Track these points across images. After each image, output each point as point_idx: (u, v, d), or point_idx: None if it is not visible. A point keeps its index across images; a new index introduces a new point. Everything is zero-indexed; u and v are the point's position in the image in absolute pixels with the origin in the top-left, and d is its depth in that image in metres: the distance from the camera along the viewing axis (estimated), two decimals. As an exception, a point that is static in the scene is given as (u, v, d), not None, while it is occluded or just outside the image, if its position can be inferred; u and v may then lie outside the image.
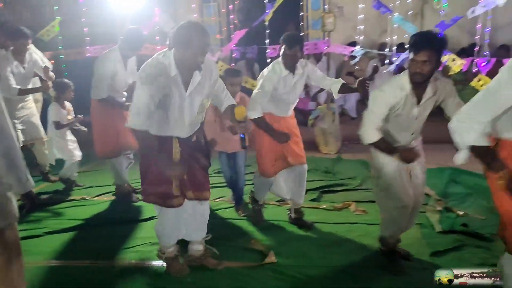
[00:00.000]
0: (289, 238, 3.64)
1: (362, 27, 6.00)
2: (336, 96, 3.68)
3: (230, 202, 4.32)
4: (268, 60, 6.12)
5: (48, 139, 4.82)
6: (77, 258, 3.38)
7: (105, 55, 4.22)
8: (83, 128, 4.79)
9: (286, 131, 3.56)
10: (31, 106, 4.89)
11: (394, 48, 5.91)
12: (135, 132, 2.73)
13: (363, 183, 4.86)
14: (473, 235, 3.54)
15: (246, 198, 4.27)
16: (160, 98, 2.69)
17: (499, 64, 5.07)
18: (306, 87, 6.45)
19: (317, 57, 7.22)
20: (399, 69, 6.61)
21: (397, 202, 2.95)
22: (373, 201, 4.22)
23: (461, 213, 3.97)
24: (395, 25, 5.58)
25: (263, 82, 3.46)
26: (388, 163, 2.94)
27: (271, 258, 3.25)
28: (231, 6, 6.38)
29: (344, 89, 3.59)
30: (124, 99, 4.44)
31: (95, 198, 4.65)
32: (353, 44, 6.42)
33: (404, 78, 2.80)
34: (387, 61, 6.50)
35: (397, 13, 5.41)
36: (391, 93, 2.81)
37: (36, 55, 4.86)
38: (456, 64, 5.11)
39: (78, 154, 4.84)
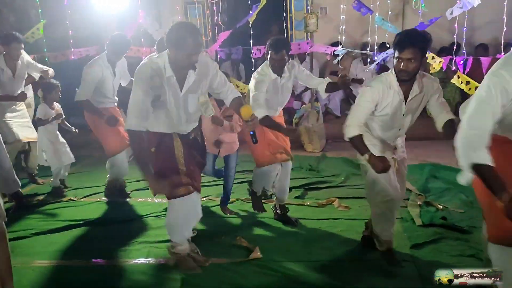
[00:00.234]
0: (274, 234, 3.72)
1: (344, 27, 6.09)
2: (323, 95, 3.81)
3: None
4: (253, 61, 6.21)
5: (38, 141, 4.79)
6: (64, 258, 3.42)
7: (92, 62, 4.31)
8: (74, 129, 4.80)
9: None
10: (22, 109, 4.91)
11: (376, 47, 6.01)
12: (130, 133, 2.78)
13: (346, 180, 4.97)
14: (452, 228, 3.66)
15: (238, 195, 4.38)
16: (154, 98, 2.74)
17: (477, 62, 5.22)
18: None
19: (301, 57, 7.31)
20: (381, 68, 6.75)
21: (384, 196, 3.01)
22: (356, 197, 4.39)
23: (440, 207, 4.09)
24: (376, 25, 5.68)
25: (256, 84, 3.53)
26: None
27: (257, 254, 3.32)
28: (215, 8, 6.43)
29: (330, 87, 3.70)
30: (115, 103, 4.53)
31: (82, 199, 4.67)
32: (336, 44, 6.53)
33: (390, 76, 2.88)
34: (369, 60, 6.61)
35: (377, 14, 5.52)
36: (379, 89, 2.88)
37: (27, 60, 4.92)
38: (436, 62, 5.24)
39: (68, 157, 4.81)
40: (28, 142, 4.99)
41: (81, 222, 4.03)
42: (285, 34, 6.56)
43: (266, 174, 3.80)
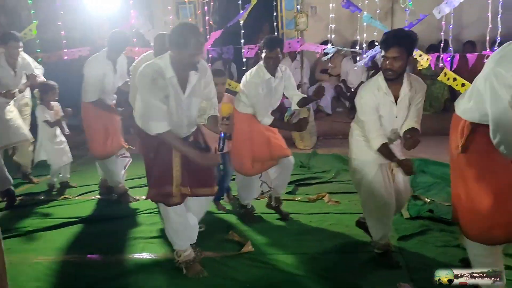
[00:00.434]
0: (265, 228, 3.81)
1: (333, 26, 6.18)
2: (293, 107, 3.88)
3: (226, 201, 4.39)
4: (244, 60, 6.28)
5: (36, 141, 4.84)
6: (60, 255, 3.49)
7: (93, 58, 4.34)
8: (66, 131, 4.82)
9: (265, 130, 3.72)
10: (14, 110, 4.95)
11: (364, 45, 6.10)
12: (163, 136, 2.76)
13: (336, 176, 5.07)
14: (438, 220, 3.77)
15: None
16: (164, 97, 2.73)
17: (463, 59, 5.33)
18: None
19: (291, 56, 7.40)
20: (371, 65, 6.86)
21: (379, 200, 3.05)
22: (346, 192, 4.48)
23: (428, 200, 4.19)
24: (365, 24, 5.77)
25: (249, 89, 3.58)
26: (370, 162, 3.05)
27: (248, 247, 3.41)
28: (206, 8, 6.50)
29: (302, 102, 3.82)
30: (114, 101, 4.57)
31: (77, 198, 4.74)
32: (326, 42, 6.61)
33: (379, 78, 2.94)
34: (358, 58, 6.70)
35: (366, 12, 5.61)
36: (370, 95, 2.94)
37: (27, 59, 4.97)
38: (423, 59, 5.34)
39: (66, 157, 4.86)
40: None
41: (76, 219, 4.10)
42: (276, 33, 6.65)
43: (251, 184, 3.86)
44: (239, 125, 3.66)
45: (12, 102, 4.92)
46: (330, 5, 6.08)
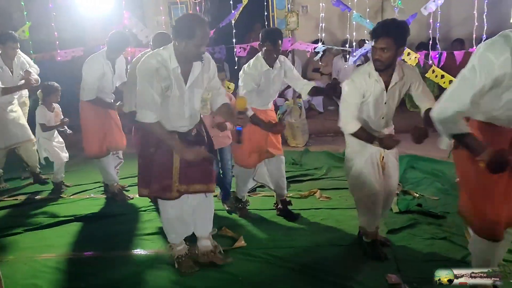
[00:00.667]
0: (258, 224, 3.89)
1: (324, 24, 6.25)
2: (304, 97, 3.92)
3: (218, 198, 4.36)
4: (236, 59, 6.35)
5: (36, 141, 4.89)
6: (55, 252, 3.54)
7: (92, 58, 4.39)
8: (68, 131, 4.86)
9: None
10: (17, 109, 5.03)
11: (354, 44, 6.19)
12: (146, 126, 2.78)
13: (327, 173, 5.15)
14: (426, 214, 3.86)
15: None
16: (162, 89, 2.73)
17: (451, 56, 5.43)
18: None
19: (283, 55, 7.46)
20: (363, 63, 6.93)
21: (368, 190, 3.10)
22: (336, 188, 4.56)
23: (417, 195, 4.28)
24: (354, 22, 5.85)
25: (245, 81, 3.58)
26: (359, 153, 3.10)
27: (241, 242, 3.49)
28: (198, 8, 6.56)
29: (314, 91, 3.83)
30: (112, 100, 4.62)
31: (72, 197, 4.79)
32: (317, 41, 6.69)
33: (370, 66, 2.96)
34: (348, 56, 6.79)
35: (355, 11, 5.69)
36: (360, 80, 2.96)
37: (23, 59, 5.03)
38: (411, 58, 5.43)
39: (64, 155, 4.90)
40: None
41: (72, 218, 4.16)
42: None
43: (248, 175, 3.94)
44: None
45: (15, 101, 4.98)
46: (321, 4, 6.16)
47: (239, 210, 4.09)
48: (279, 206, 4.06)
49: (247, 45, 6.53)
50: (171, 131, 2.87)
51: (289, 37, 6.43)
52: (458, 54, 5.31)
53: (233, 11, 6.28)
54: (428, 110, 2.77)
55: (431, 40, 5.51)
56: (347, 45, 6.33)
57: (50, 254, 3.51)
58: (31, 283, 3.11)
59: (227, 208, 4.22)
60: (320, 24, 6.23)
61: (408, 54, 5.43)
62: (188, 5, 7.22)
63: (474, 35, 5.10)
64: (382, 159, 3.16)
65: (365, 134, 2.98)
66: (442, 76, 5.28)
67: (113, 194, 4.65)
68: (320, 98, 7.66)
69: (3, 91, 4.72)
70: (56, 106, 4.79)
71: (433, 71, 5.37)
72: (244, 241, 3.50)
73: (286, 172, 5.09)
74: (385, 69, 2.91)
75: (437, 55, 5.45)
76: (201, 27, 2.66)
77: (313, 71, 8.06)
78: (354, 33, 6.10)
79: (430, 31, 5.46)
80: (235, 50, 6.38)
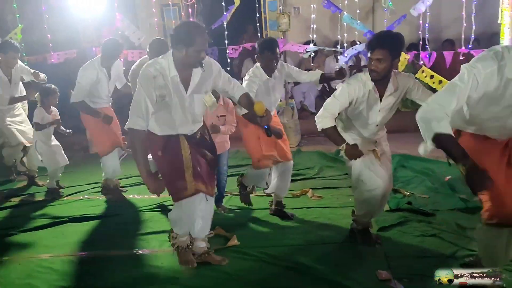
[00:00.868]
0: (250, 223, 3.94)
1: (315, 26, 6.32)
2: (318, 86, 3.98)
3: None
4: (228, 60, 6.40)
5: (32, 144, 4.88)
6: (50, 252, 3.56)
7: (88, 65, 4.50)
8: (67, 131, 4.88)
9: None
10: (21, 113, 5.10)
11: (345, 45, 6.25)
12: (131, 132, 2.81)
13: (319, 172, 5.21)
14: (416, 212, 3.92)
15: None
16: (157, 98, 2.76)
17: (441, 56, 5.51)
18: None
19: (275, 56, 7.52)
20: (354, 63, 7.02)
21: (369, 185, 3.16)
22: (328, 187, 4.63)
23: (407, 193, 4.35)
24: (345, 24, 5.92)
25: (249, 87, 3.57)
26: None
27: (234, 241, 3.52)
28: (190, 10, 6.60)
29: (324, 79, 3.92)
30: (110, 104, 4.75)
31: (66, 198, 4.82)
32: (309, 43, 6.75)
33: (366, 76, 3.03)
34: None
35: (346, 12, 5.76)
36: (355, 86, 3.02)
37: (20, 63, 5.07)
38: (400, 59, 5.50)
39: (62, 160, 4.88)
40: (25, 145, 5.10)
41: (66, 219, 4.18)
42: (260, 34, 6.77)
43: (260, 176, 3.98)
44: (248, 127, 3.78)
45: (19, 105, 5.07)
46: (312, 5, 6.23)
47: (240, 196, 4.15)
48: (274, 206, 4.08)
49: (239, 46, 6.59)
50: (175, 136, 2.94)
51: (281, 38, 6.48)
52: (448, 55, 5.39)
53: (225, 13, 6.34)
54: None
55: (421, 40, 5.60)
56: (339, 46, 6.39)
57: (46, 254, 3.53)
58: (26, 283, 3.13)
59: (222, 212, 4.22)
60: (312, 26, 6.30)
61: (398, 54, 5.49)
62: (180, 7, 7.26)
63: (463, 36, 5.19)
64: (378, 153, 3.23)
65: (335, 135, 3.04)
66: (432, 76, 5.36)
67: (109, 191, 4.70)
68: (312, 98, 7.74)
69: (11, 101, 4.83)
70: (54, 109, 4.81)
71: (423, 71, 5.45)
72: (237, 240, 3.53)
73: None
74: (381, 79, 2.98)
75: (427, 55, 5.53)
76: (200, 33, 2.71)
77: (305, 72, 8.11)
78: (346, 34, 6.17)
79: (420, 32, 5.54)
80: (227, 51, 6.43)
